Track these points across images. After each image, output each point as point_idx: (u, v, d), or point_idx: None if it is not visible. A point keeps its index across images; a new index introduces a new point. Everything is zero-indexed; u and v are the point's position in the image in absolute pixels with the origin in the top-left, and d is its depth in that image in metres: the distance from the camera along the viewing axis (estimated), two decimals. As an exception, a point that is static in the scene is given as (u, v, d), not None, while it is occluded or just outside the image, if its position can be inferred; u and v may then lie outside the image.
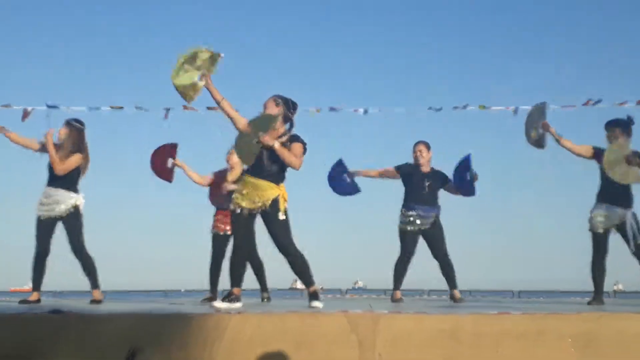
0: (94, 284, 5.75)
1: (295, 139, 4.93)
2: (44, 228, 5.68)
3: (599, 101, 6.55)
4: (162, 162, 6.45)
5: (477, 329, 3.75)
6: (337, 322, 3.78)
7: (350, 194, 6.64)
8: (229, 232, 6.28)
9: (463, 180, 6.36)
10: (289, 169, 4.89)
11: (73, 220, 5.70)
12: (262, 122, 4.81)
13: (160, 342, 3.70)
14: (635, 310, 4.30)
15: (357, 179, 6.62)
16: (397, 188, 6.51)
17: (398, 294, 6.44)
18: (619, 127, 5.73)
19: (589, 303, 5.71)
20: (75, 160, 5.70)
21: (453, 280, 6.35)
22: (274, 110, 4.91)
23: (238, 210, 4.87)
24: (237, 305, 4.70)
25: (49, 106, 6.49)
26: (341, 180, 6.56)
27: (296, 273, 4.92)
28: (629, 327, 3.86)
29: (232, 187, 5.88)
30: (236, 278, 4.89)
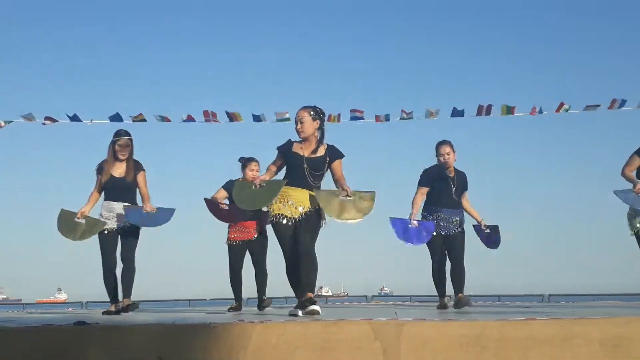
0: (128, 293, 5.91)
1: (335, 153, 5.08)
2: (109, 242, 5.88)
3: (624, 102, 6.44)
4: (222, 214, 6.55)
5: (503, 335, 3.70)
6: (361, 330, 3.75)
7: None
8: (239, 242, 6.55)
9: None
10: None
11: (132, 231, 5.91)
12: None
13: (185, 351, 3.70)
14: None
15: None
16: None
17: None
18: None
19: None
20: (145, 177, 6.05)
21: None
22: (312, 125, 5.02)
23: (284, 221, 4.94)
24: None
25: (70, 118, 6.54)
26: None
27: (307, 275, 4.92)
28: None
29: None
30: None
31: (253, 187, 5.03)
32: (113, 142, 5.97)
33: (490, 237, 6.77)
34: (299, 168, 4.98)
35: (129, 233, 5.92)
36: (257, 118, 6.52)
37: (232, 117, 6.52)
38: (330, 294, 66.82)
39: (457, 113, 6.52)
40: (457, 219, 6.30)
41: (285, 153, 5.09)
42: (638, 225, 5.62)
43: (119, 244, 5.96)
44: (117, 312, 5.83)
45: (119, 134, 6.00)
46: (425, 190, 6.35)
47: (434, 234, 6.22)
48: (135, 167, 6.01)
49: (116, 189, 5.96)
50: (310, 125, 5.00)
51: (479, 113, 6.50)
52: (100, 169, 6.03)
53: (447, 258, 6.32)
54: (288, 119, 6.20)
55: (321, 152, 5.04)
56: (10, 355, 3.68)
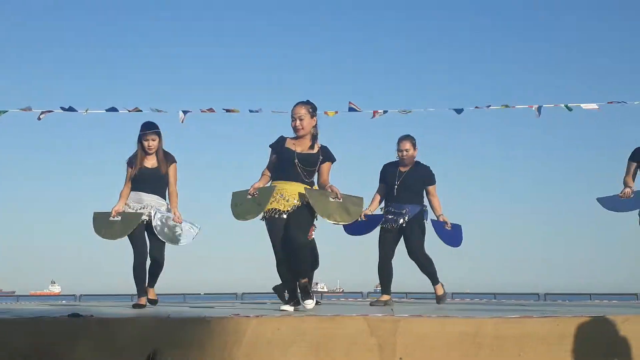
0: (152, 283, 5.88)
1: (327, 155, 5.07)
2: (140, 235, 5.73)
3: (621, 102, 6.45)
4: None
5: (498, 332, 3.69)
6: (357, 326, 3.74)
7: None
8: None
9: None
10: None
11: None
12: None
13: (180, 345, 3.69)
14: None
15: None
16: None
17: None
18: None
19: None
20: (176, 170, 5.92)
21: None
22: (310, 123, 5.02)
23: (276, 215, 4.94)
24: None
25: (64, 109, 6.51)
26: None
27: (305, 269, 5.00)
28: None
29: None
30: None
31: (248, 196, 5.05)
32: (140, 136, 5.81)
33: (450, 234, 6.41)
34: (290, 163, 4.98)
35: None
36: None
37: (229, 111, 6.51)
38: (325, 289, 66.78)
39: (455, 110, 6.52)
40: (406, 211, 6.20)
41: (278, 149, 5.10)
42: None
43: (147, 237, 5.80)
44: (144, 305, 5.70)
45: (145, 127, 5.82)
46: (382, 186, 6.41)
47: (383, 227, 6.24)
48: (167, 158, 5.86)
49: (147, 180, 5.79)
50: (309, 123, 5.01)
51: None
52: (131, 162, 5.85)
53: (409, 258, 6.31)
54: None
55: (315, 149, 5.05)
56: (4, 346, 3.66)
